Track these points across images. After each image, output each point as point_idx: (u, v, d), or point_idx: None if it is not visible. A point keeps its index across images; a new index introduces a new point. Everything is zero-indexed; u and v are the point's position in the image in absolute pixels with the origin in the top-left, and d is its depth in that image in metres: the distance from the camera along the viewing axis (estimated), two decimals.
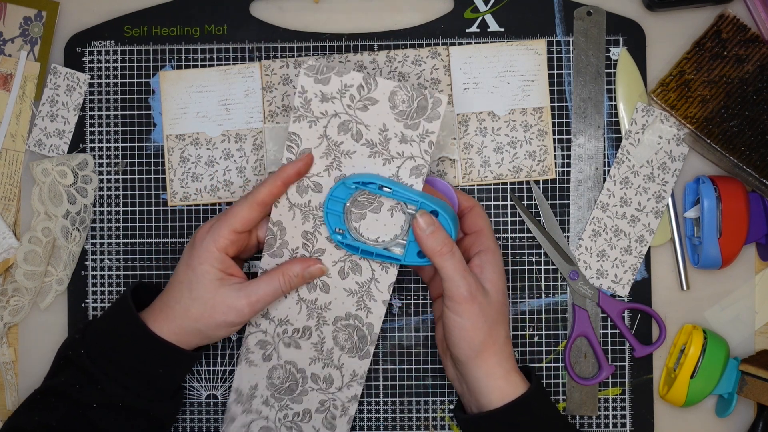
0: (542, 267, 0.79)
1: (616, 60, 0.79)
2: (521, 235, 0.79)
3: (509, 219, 0.79)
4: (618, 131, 0.79)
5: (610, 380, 0.79)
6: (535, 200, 0.79)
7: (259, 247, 0.75)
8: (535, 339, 0.80)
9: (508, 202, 0.79)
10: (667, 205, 0.79)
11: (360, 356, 0.75)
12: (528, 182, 0.79)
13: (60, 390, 0.71)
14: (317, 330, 0.74)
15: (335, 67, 0.70)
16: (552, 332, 0.79)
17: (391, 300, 0.80)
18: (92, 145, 0.80)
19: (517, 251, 0.79)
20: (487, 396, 0.70)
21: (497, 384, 0.70)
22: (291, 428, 0.77)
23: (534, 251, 0.79)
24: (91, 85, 0.80)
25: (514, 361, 0.72)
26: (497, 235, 0.79)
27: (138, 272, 0.80)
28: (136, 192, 0.80)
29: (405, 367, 0.80)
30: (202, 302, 0.70)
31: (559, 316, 0.79)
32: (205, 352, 0.80)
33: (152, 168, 0.80)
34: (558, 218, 0.79)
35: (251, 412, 0.77)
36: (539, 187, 0.79)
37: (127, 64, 0.80)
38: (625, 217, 0.79)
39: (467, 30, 0.80)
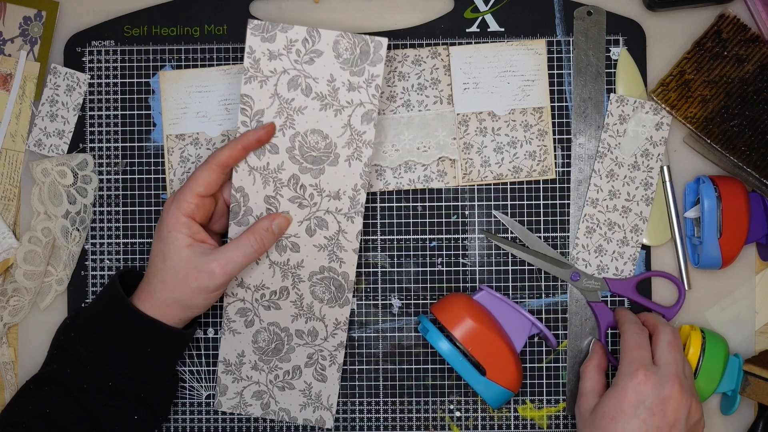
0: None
1: (616, 60, 0.79)
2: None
3: (509, 219, 0.79)
4: None
5: (610, 381, 0.79)
6: (531, 201, 0.79)
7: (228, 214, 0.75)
8: (536, 339, 0.79)
9: (509, 202, 0.79)
10: (667, 205, 0.79)
11: (340, 304, 0.76)
12: (528, 182, 0.79)
13: (52, 377, 0.71)
14: (294, 288, 0.76)
15: (279, 24, 0.71)
16: (552, 332, 0.79)
17: (391, 300, 0.80)
18: (92, 145, 0.80)
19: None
20: None
21: None
22: (283, 387, 0.78)
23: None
24: (91, 85, 0.80)
25: None
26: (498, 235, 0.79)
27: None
28: (136, 192, 0.80)
29: (405, 367, 0.80)
30: (175, 270, 0.71)
31: (560, 316, 0.79)
32: (206, 353, 0.80)
33: (152, 168, 0.80)
34: (558, 218, 0.79)
35: (242, 379, 0.78)
36: (506, 213, 0.79)
37: (127, 64, 0.80)
38: (616, 209, 0.79)
39: (467, 30, 0.80)
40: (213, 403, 0.80)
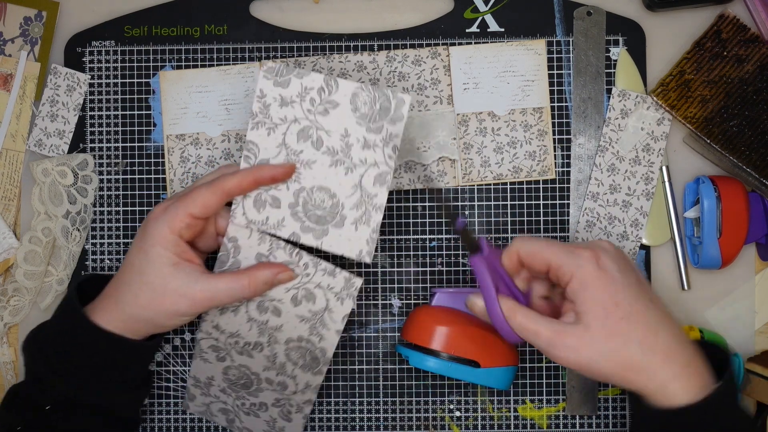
0: None
1: (616, 60, 0.79)
2: (522, 234, 0.79)
3: (509, 219, 0.79)
4: None
5: None
6: (531, 201, 0.79)
7: (218, 240, 0.71)
8: None
9: (508, 202, 0.79)
10: (667, 205, 0.79)
11: (313, 372, 0.73)
12: (527, 182, 0.79)
13: (21, 392, 0.69)
14: (269, 346, 0.72)
15: (295, 69, 0.67)
16: None
17: (391, 300, 0.80)
18: (92, 145, 0.80)
19: None
20: (654, 404, 0.64)
21: (655, 400, 0.63)
22: (249, 413, 0.76)
23: None
24: (91, 85, 0.80)
25: (678, 362, 0.63)
26: (497, 235, 0.79)
27: None
28: (136, 192, 0.80)
29: (405, 367, 0.80)
30: (152, 288, 0.66)
31: None
32: None
33: (152, 168, 0.80)
34: (558, 218, 0.79)
35: (209, 395, 0.76)
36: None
37: (127, 64, 0.80)
38: (616, 203, 0.79)
39: (467, 30, 0.80)
40: (181, 402, 0.79)
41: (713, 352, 0.66)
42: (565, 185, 0.79)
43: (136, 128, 0.80)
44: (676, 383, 0.62)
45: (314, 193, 0.68)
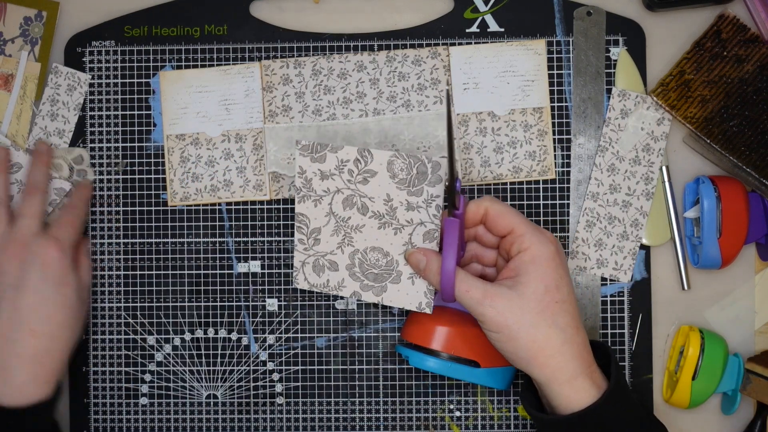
0: None
1: (616, 60, 0.79)
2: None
3: None
4: None
5: None
6: (531, 201, 0.79)
7: None
8: None
9: (508, 203, 0.79)
10: (667, 205, 0.79)
11: None
12: (528, 182, 0.79)
13: None
14: None
15: (328, 144, 0.70)
16: None
17: None
18: (92, 144, 0.80)
19: None
20: (554, 399, 0.65)
21: (561, 391, 0.65)
22: None
23: None
24: (91, 85, 0.80)
25: (586, 361, 0.66)
26: None
27: (138, 272, 0.80)
28: (136, 192, 0.80)
29: (405, 367, 0.80)
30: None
31: None
32: (206, 353, 0.80)
33: (152, 168, 0.80)
34: (558, 218, 0.79)
35: None
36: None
37: (127, 64, 0.80)
38: (616, 203, 0.79)
39: (467, 30, 0.80)
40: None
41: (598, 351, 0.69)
42: (565, 185, 0.79)
43: (136, 128, 0.80)
44: (585, 379, 0.65)
45: (368, 253, 0.71)
